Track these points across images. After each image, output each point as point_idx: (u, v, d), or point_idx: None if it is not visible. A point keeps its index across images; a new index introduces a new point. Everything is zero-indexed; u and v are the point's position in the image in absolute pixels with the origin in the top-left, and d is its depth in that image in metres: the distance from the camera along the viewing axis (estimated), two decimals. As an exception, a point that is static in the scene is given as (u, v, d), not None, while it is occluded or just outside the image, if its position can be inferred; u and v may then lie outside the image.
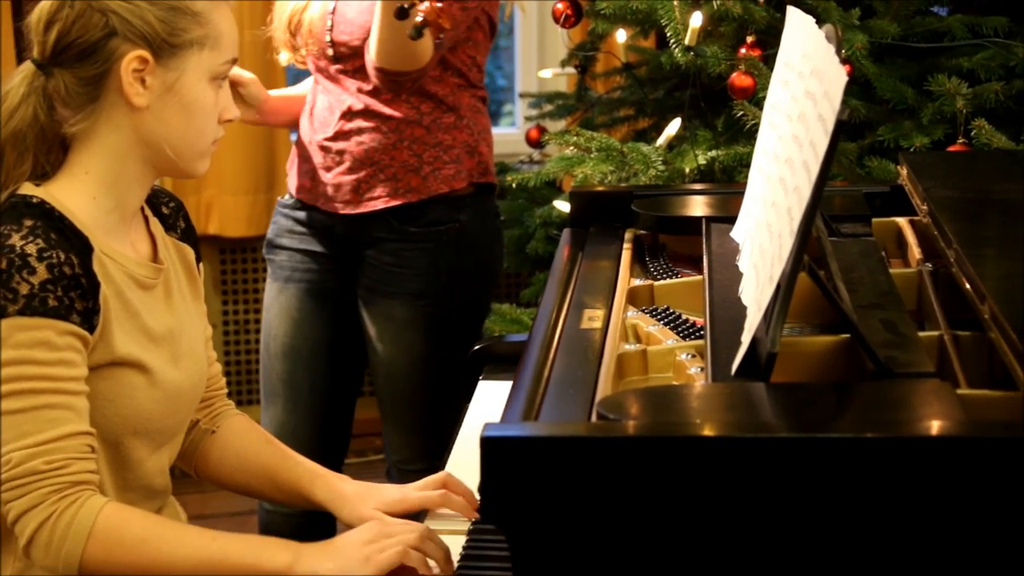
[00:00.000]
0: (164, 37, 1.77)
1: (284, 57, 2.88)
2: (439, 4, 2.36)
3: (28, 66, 1.80)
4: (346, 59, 2.74)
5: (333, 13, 2.74)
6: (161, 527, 1.74)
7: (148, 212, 1.93)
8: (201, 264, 2.02)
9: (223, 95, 1.85)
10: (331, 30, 2.73)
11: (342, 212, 2.79)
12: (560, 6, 3.18)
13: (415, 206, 2.77)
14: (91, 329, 1.73)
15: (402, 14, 2.38)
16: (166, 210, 1.97)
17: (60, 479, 1.68)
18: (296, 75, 3.32)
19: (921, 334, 1.66)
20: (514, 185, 3.25)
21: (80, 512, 1.68)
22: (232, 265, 4.54)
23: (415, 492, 1.90)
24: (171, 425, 1.89)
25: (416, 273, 2.78)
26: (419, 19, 2.35)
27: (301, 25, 2.78)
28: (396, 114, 2.74)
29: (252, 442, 2.05)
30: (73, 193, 1.78)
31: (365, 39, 2.67)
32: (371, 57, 2.63)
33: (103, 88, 1.78)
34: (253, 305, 4.54)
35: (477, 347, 2.43)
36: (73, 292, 1.70)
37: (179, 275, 1.95)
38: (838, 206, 2.18)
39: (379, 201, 2.76)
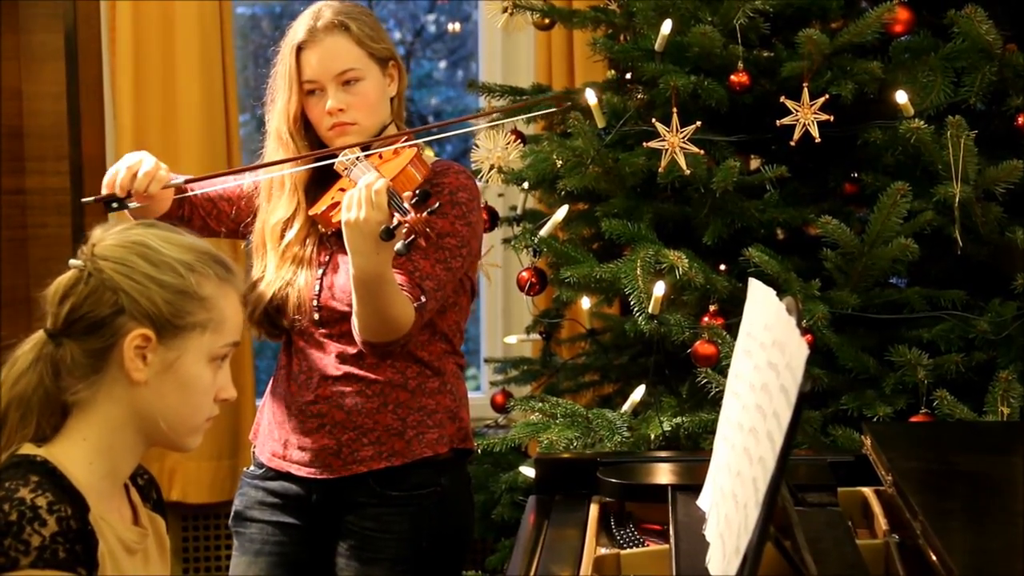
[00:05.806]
0: (168, 318, 1.86)
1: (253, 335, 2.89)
2: (424, 215, 2.41)
3: (40, 335, 1.88)
4: (332, 324, 2.74)
5: (322, 278, 2.75)
6: None
7: (129, 482, 1.98)
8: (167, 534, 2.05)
9: (222, 375, 1.93)
10: (319, 296, 2.74)
11: (320, 477, 2.76)
12: (525, 274, 3.24)
13: (397, 469, 2.74)
14: None
15: (388, 235, 2.41)
16: (141, 481, 2.04)
17: None
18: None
19: (890, 607, 1.65)
20: (479, 450, 3.23)
21: None
22: (194, 532, 4.47)
23: None
24: None
25: (398, 538, 2.73)
26: (405, 233, 2.40)
27: (287, 300, 2.76)
28: (380, 378, 2.73)
29: None
30: (71, 457, 1.84)
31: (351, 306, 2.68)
32: (355, 333, 2.64)
33: (106, 361, 1.86)
34: (215, 573, 4.45)
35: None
36: (78, 546, 1.74)
37: (152, 543, 1.98)
38: (803, 475, 2.18)
39: (362, 465, 2.73)
